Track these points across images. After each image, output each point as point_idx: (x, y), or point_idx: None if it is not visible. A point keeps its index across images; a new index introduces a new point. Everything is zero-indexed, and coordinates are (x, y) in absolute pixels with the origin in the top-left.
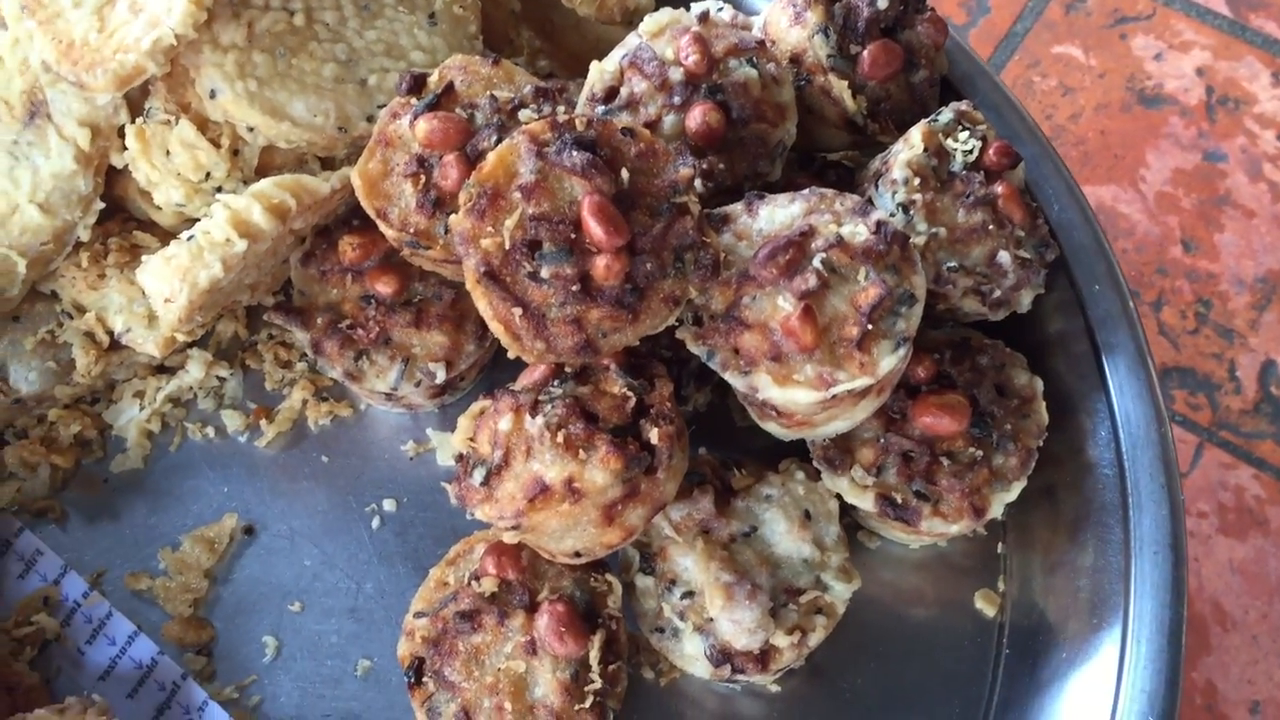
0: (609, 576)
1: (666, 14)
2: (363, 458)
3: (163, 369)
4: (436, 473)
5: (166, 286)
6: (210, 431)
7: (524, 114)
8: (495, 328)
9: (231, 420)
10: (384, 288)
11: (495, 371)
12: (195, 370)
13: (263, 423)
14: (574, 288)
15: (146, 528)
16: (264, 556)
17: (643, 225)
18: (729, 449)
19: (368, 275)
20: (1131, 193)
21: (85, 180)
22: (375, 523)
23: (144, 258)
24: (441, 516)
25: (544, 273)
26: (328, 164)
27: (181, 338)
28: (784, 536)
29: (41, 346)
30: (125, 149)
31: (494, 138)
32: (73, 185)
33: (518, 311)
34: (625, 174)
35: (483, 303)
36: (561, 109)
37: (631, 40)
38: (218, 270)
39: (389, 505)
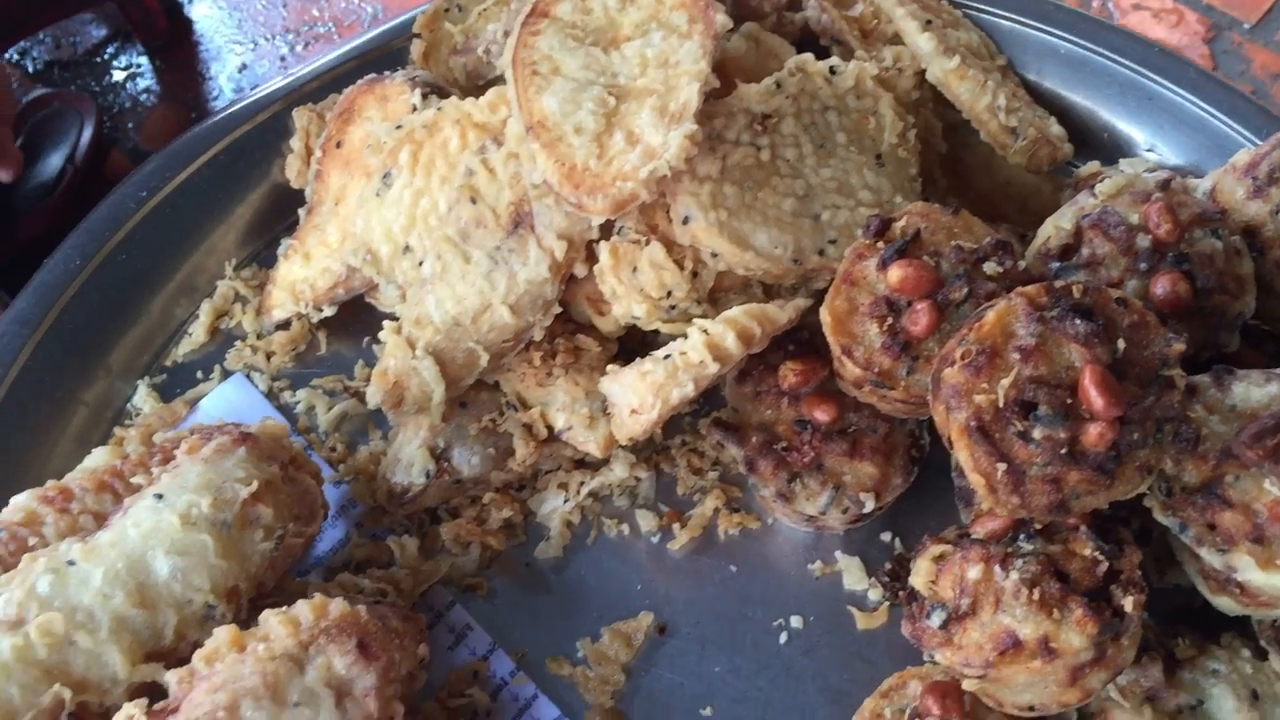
0: None
1: (1124, 177)
2: (769, 571)
3: (583, 463)
4: (841, 595)
5: (637, 399)
6: (625, 529)
7: (988, 266)
8: (975, 479)
9: (645, 520)
10: (822, 415)
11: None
12: (619, 469)
13: (675, 526)
14: (1061, 450)
15: (565, 614)
16: (675, 658)
17: (1133, 396)
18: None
19: (804, 401)
20: None
21: (552, 287)
22: (783, 638)
23: (609, 369)
24: (847, 640)
25: (1035, 434)
26: (769, 290)
27: (625, 443)
28: (1231, 714)
29: (483, 433)
30: (589, 261)
31: (964, 289)
32: (541, 291)
33: (1001, 467)
34: (1120, 344)
35: (965, 454)
36: (1022, 263)
37: (1084, 199)
38: (690, 390)
39: (796, 622)
